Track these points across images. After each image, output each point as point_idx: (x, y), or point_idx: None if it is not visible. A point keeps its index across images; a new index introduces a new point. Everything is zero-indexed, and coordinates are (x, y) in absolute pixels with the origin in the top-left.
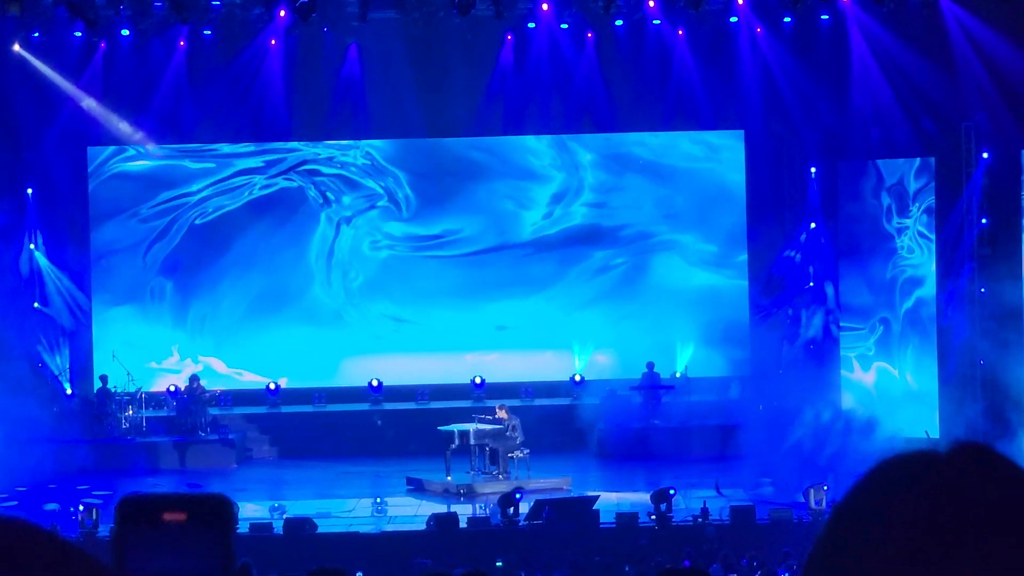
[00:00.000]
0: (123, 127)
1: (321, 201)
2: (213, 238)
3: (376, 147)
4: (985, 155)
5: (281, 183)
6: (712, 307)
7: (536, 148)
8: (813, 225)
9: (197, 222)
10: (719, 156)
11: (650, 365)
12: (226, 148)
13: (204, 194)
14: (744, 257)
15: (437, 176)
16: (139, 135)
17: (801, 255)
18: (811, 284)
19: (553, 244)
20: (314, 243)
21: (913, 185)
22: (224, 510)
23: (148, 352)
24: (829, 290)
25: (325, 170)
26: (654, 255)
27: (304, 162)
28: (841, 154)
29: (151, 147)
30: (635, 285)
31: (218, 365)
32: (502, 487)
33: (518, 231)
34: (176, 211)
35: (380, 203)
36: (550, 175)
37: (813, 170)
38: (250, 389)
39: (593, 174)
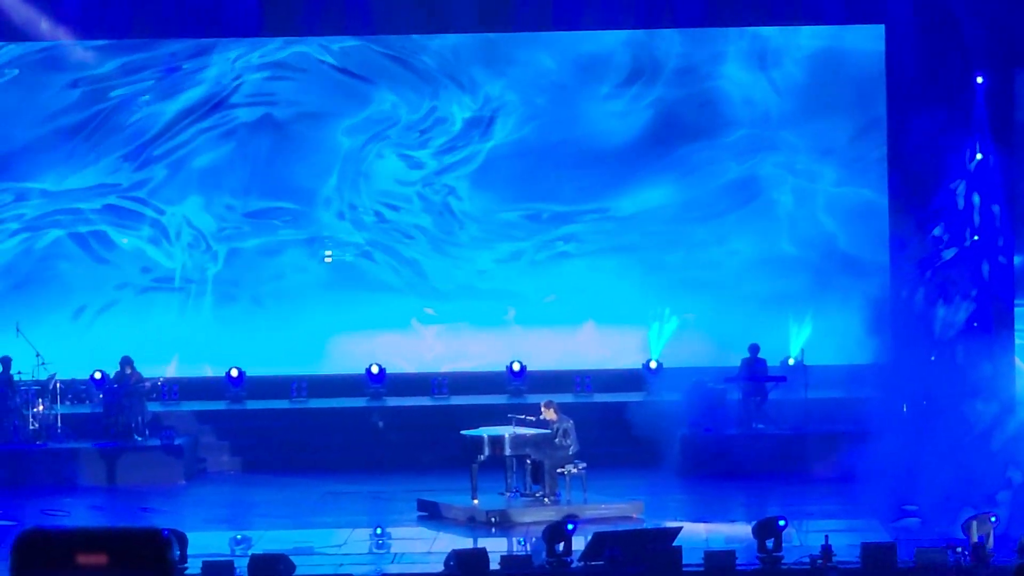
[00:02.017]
0: (43, 24)
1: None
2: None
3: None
4: None
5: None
6: (837, 251)
7: (599, 48)
8: (980, 156)
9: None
10: (849, 59)
11: (753, 348)
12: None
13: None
14: (882, 151)
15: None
16: (60, 31)
17: (966, 189)
18: (976, 237)
19: (624, 139)
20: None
21: None
22: (161, 551)
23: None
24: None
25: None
26: (760, 160)
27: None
28: (1019, 59)
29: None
30: (737, 213)
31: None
32: (549, 514)
33: (575, 118)
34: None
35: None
36: (619, 78)
37: (980, 79)
38: (205, 377)
39: (675, 76)
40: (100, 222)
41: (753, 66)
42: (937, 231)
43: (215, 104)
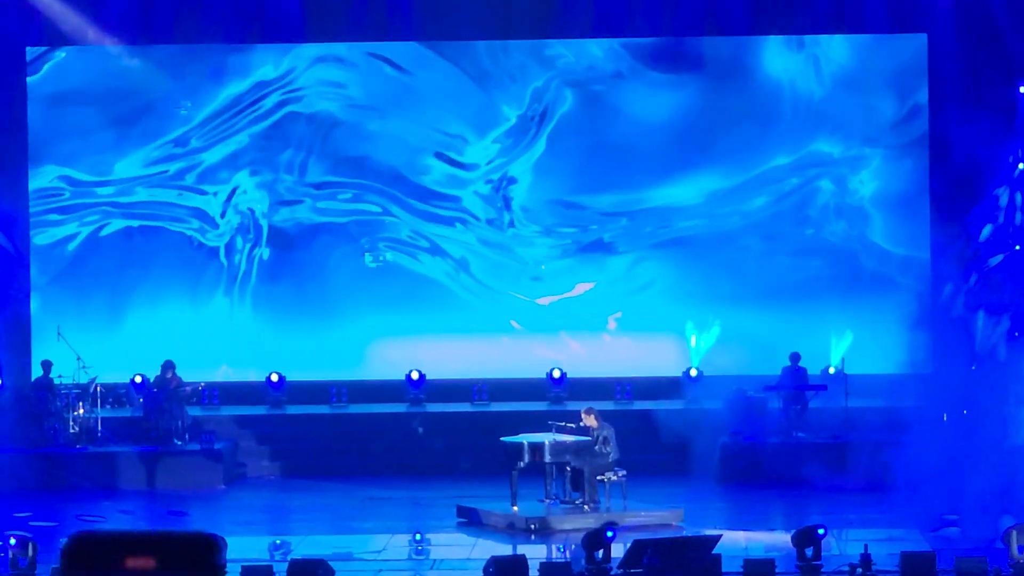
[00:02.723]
0: (90, 32)
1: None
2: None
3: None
4: None
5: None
6: (878, 254)
7: (627, 54)
8: (1022, 166)
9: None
10: (890, 68)
11: (794, 357)
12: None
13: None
14: (924, 160)
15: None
16: (109, 39)
17: (1009, 196)
18: (1017, 247)
19: (666, 131)
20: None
21: None
22: (208, 554)
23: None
24: None
25: None
26: (803, 155)
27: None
28: None
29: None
30: (779, 207)
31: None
32: (588, 522)
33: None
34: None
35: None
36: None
37: (1023, 88)
38: (245, 382)
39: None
40: (146, 211)
41: (794, 52)
42: (983, 236)
43: (262, 96)
